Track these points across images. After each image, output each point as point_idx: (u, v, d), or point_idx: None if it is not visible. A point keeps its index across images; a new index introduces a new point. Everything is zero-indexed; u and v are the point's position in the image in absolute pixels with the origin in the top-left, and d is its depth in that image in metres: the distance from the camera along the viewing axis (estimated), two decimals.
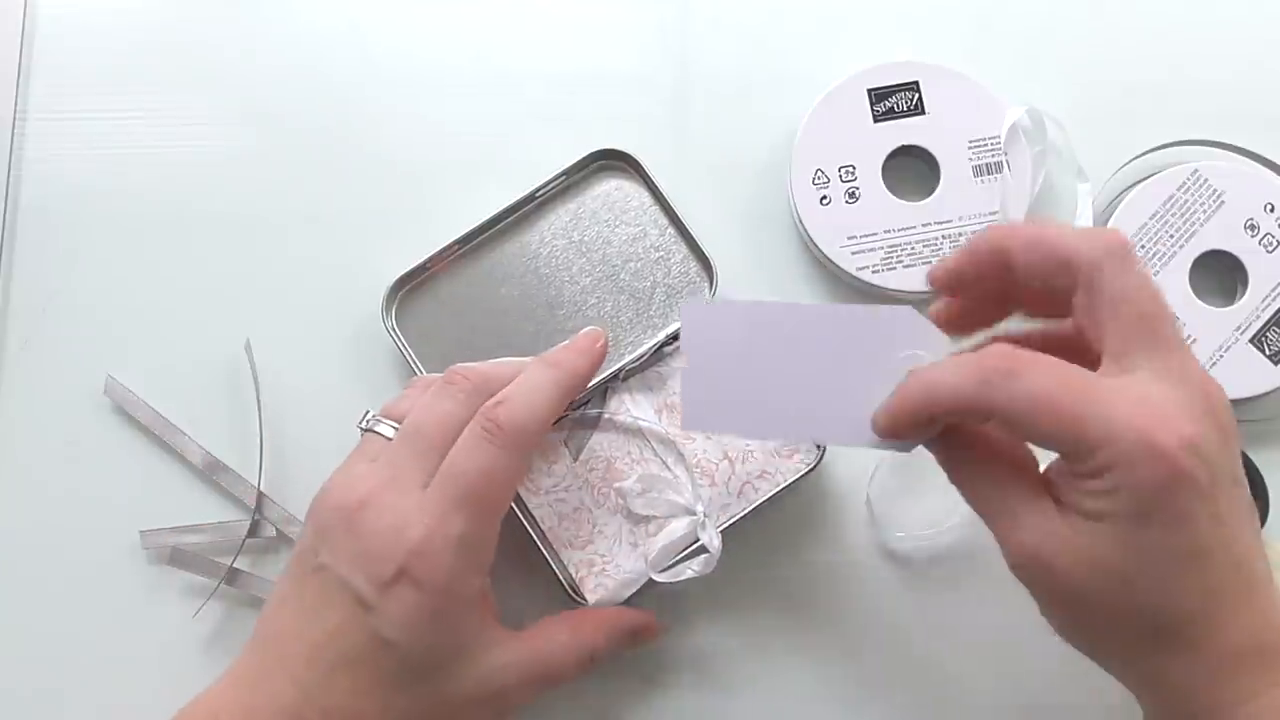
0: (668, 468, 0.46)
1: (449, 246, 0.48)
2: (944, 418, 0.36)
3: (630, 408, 0.46)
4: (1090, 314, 0.35)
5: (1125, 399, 0.33)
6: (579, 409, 0.46)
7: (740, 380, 0.39)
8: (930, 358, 0.37)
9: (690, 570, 0.43)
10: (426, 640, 0.38)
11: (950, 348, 0.38)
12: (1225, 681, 0.34)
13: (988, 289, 0.39)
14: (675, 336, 0.47)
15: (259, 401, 0.48)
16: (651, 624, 0.44)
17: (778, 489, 0.45)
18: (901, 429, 0.37)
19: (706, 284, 0.48)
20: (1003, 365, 0.34)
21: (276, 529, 0.47)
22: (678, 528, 0.44)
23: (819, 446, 0.46)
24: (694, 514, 0.45)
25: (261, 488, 0.47)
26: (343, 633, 0.37)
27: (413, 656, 0.38)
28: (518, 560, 0.45)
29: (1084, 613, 0.35)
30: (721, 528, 0.44)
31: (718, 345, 0.39)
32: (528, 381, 0.41)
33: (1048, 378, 0.34)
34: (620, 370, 0.47)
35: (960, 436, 0.37)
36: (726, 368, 0.39)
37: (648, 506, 0.45)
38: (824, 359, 0.39)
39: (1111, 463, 0.33)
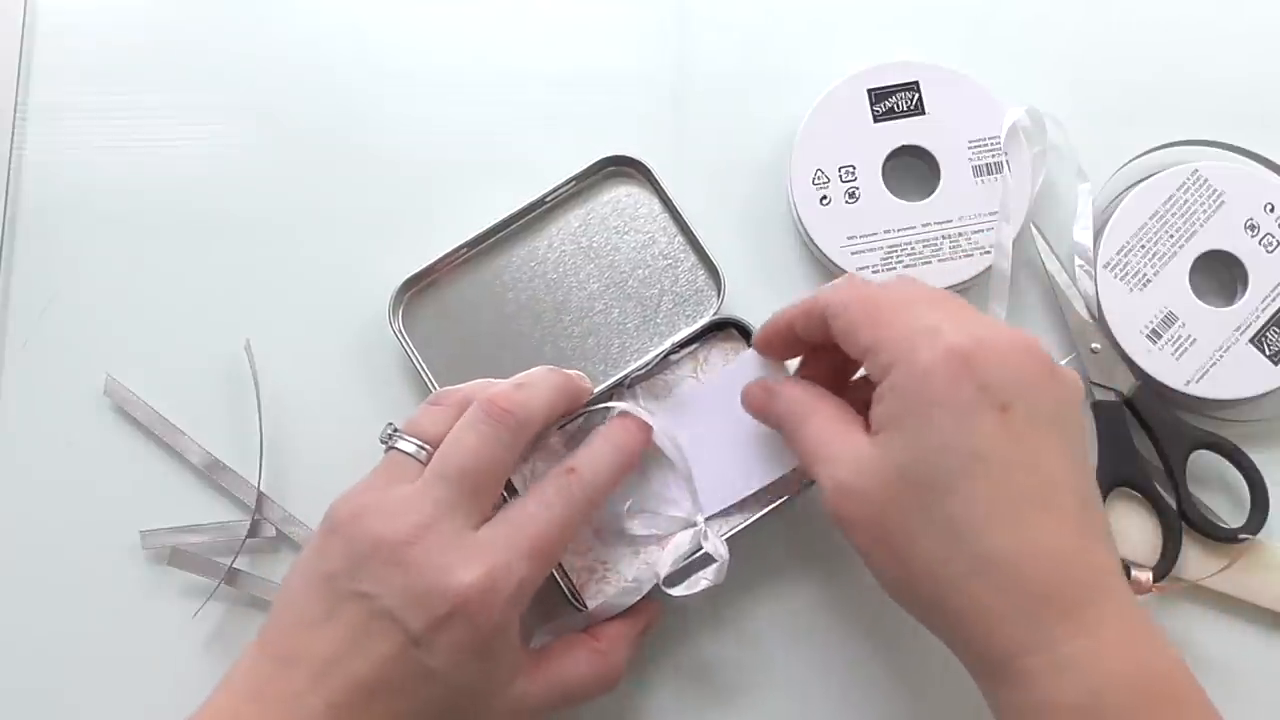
0: (669, 476, 0.46)
1: (457, 250, 0.48)
2: (800, 320, 0.41)
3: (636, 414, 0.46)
4: (840, 334, 0.39)
5: (934, 311, 0.37)
6: (583, 415, 0.46)
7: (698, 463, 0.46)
8: None
9: (704, 580, 0.43)
10: (470, 673, 0.38)
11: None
12: (1024, 620, 0.34)
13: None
14: (682, 344, 0.47)
15: (259, 401, 0.48)
16: (657, 615, 0.45)
17: (782, 499, 0.45)
18: (772, 344, 0.44)
19: (714, 293, 0.48)
20: (849, 276, 0.41)
21: (276, 529, 0.47)
22: (681, 540, 0.44)
23: None
24: (695, 525, 0.45)
25: (261, 488, 0.47)
26: (387, 663, 0.37)
27: (454, 688, 0.38)
28: None
29: (891, 540, 0.36)
30: (725, 538, 0.44)
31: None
32: (597, 447, 0.43)
33: (883, 285, 0.39)
34: (626, 377, 0.47)
35: (790, 386, 0.42)
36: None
37: (645, 527, 0.45)
38: (737, 418, 0.45)
39: (897, 355, 0.36)
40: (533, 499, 0.40)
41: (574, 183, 0.49)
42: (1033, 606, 0.34)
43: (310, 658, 0.37)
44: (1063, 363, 0.49)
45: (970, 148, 0.50)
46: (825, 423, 0.40)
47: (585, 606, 0.44)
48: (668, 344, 0.47)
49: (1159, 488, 0.47)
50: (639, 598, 0.44)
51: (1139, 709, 0.33)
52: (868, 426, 0.38)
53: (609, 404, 0.46)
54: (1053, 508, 0.35)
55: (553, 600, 0.45)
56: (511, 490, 0.45)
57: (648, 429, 0.44)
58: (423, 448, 0.40)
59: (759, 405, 0.43)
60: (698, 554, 0.44)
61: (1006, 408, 0.35)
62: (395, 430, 0.41)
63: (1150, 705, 0.33)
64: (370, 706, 0.37)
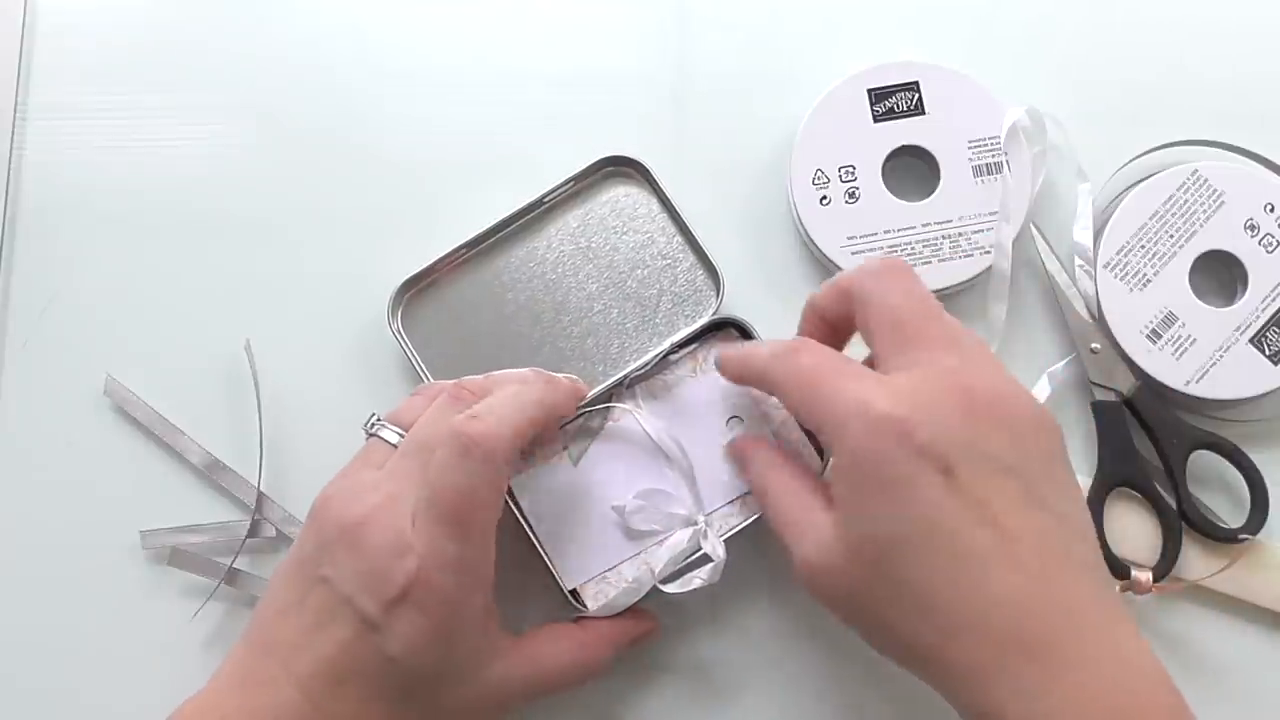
0: (668, 477, 0.46)
1: (456, 250, 0.48)
2: (752, 378, 0.42)
3: (634, 415, 0.46)
4: (864, 329, 0.39)
5: (864, 383, 0.36)
6: (582, 415, 0.46)
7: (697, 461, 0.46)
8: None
9: (698, 580, 0.43)
10: (431, 657, 0.38)
11: None
12: (997, 674, 0.33)
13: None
14: (681, 344, 0.47)
15: (259, 401, 0.48)
16: (651, 628, 0.45)
17: None
18: (731, 375, 0.43)
19: (713, 293, 0.48)
20: (791, 345, 0.39)
21: (276, 529, 0.47)
22: (680, 539, 0.44)
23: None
24: (695, 524, 0.45)
25: (261, 488, 0.47)
26: (349, 648, 0.37)
27: (418, 672, 0.38)
28: (519, 566, 0.45)
29: (863, 615, 0.37)
30: (723, 538, 0.44)
31: None
32: (506, 396, 0.41)
33: (817, 359, 0.38)
34: (625, 377, 0.46)
35: (762, 455, 0.43)
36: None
37: (646, 522, 0.45)
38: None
39: (835, 435, 0.36)
40: (435, 467, 0.38)
41: (573, 183, 0.49)
42: (1003, 660, 0.33)
43: (283, 644, 0.38)
44: (1062, 364, 0.49)
45: (970, 148, 0.50)
46: (789, 495, 0.40)
47: (586, 607, 0.44)
48: (667, 344, 0.47)
49: (1159, 488, 0.47)
50: (639, 598, 0.44)
51: None
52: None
53: (608, 405, 0.46)
54: (1010, 559, 0.34)
55: (553, 601, 0.45)
56: (511, 491, 0.46)
57: (574, 392, 0.44)
58: (402, 436, 0.41)
59: (736, 463, 0.45)
60: (697, 554, 0.44)
61: (950, 469, 0.34)
62: (378, 419, 0.42)
63: None
64: (339, 691, 0.37)
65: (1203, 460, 0.47)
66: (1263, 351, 0.48)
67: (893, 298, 0.38)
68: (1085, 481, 0.47)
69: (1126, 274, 0.48)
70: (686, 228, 0.49)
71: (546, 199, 0.49)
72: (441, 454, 0.38)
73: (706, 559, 0.44)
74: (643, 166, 0.49)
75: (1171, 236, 0.48)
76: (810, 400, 0.37)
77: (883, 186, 0.50)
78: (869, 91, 0.50)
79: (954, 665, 0.35)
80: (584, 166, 0.49)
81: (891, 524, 0.35)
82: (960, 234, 0.49)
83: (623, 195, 0.50)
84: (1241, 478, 0.47)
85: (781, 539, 0.39)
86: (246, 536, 0.47)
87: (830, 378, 0.37)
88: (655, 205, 0.49)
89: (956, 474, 0.34)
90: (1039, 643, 0.33)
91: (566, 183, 0.49)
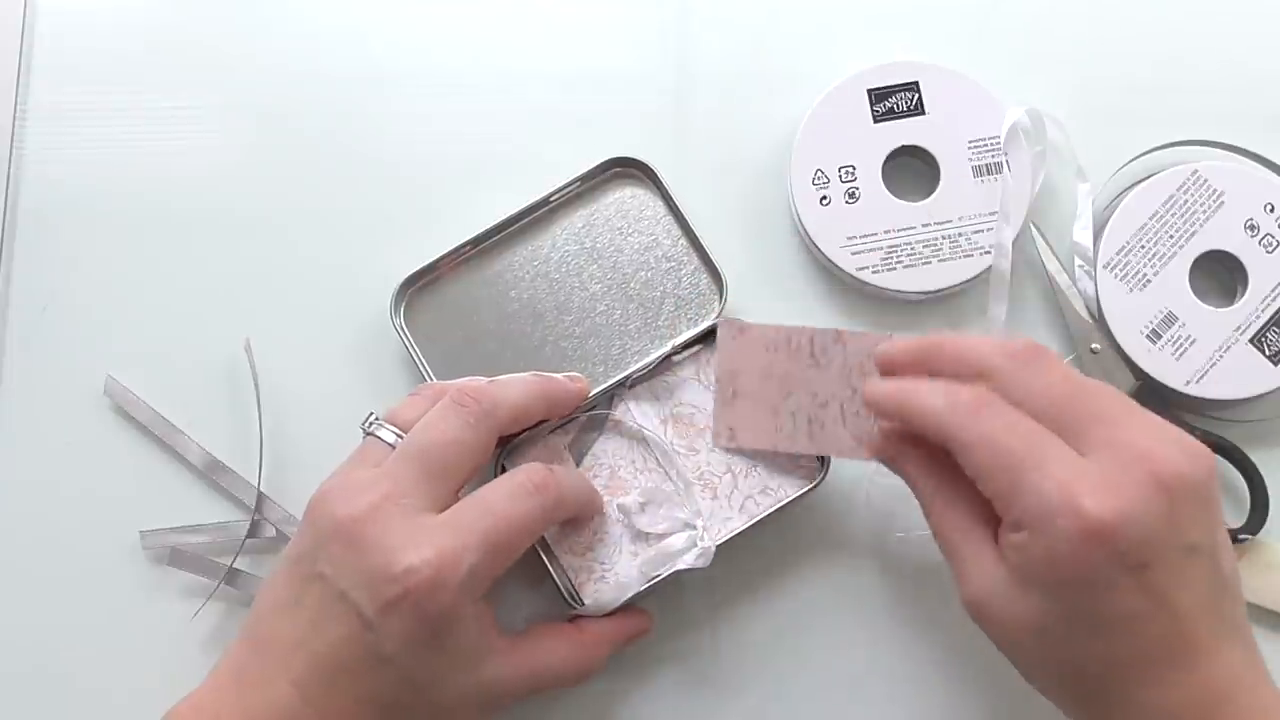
0: (669, 479, 0.46)
1: (460, 247, 0.48)
2: (920, 425, 0.38)
3: (636, 416, 0.46)
4: (963, 465, 0.37)
5: (1065, 467, 0.35)
6: (584, 415, 0.46)
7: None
8: None
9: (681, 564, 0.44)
10: (425, 658, 0.38)
11: None
12: None
13: None
14: (683, 347, 0.47)
15: (259, 401, 0.48)
16: (645, 627, 0.45)
17: (779, 504, 0.45)
18: (887, 411, 0.40)
19: (716, 296, 0.48)
20: (973, 400, 0.37)
21: (276, 529, 0.47)
22: (677, 540, 0.44)
23: (821, 462, 0.46)
24: (693, 528, 0.45)
25: (261, 488, 0.47)
26: (343, 646, 0.37)
27: (411, 672, 0.38)
28: (517, 564, 0.45)
29: (1024, 661, 0.38)
30: (721, 541, 0.44)
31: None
32: (510, 383, 0.43)
33: (1008, 421, 0.36)
34: (627, 379, 0.46)
35: (932, 470, 0.39)
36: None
37: (650, 523, 0.45)
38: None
39: (1030, 520, 0.35)
40: (498, 490, 0.40)
41: (579, 183, 0.49)
42: None
43: (279, 641, 0.38)
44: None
45: (970, 148, 0.50)
46: (955, 515, 0.39)
47: (583, 603, 0.44)
48: (668, 346, 0.47)
49: None
50: (632, 594, 0.44)
51: None
52: (995, 524, 0.37)
53: (609, 406, 0.46)
54: (1186, 656, 0.35)
55: (550, 599, 0.45)
56: None
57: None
58: (399, 435, 0.41)
59: (887, 416, 0.41)
60: (690, 558, 0.44)
61: (1145, 565, 0.34)
62: (375, 418, 0.42)
63: None
64: (333, 688, 0.38)
65: None
66: (1263, 351, 0.48)
67: (1056, 383, 0.37)
68: None
69: (1126, 274, 0.48)
70: (691, 230, 0.49)
71: (552, 198, 0.49)
72: (512, 484, 0.40)
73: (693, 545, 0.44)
74: (649, 168, 0.49)
75: (1171, 237, 0.48)
76: (1010, 482, 0.35)
77: (883, 186, 0.50)
78: (869, 91, 0.50)
79: None
80: (591, 167, 0.49)
81: (1076, 618, 0.35)
82: (960, 234, 0.49)
83: (629, 196, 0.50)
84: (1241, 478, 0.47)
85: (945, 554, 0.39)
86: (246, 536, 0.47)
87: (1032, 457, 0.35)
88: (661, 207, 0.49)
89: (1150, 570, 0.34)
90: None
91: (573, 182, 0.49)
